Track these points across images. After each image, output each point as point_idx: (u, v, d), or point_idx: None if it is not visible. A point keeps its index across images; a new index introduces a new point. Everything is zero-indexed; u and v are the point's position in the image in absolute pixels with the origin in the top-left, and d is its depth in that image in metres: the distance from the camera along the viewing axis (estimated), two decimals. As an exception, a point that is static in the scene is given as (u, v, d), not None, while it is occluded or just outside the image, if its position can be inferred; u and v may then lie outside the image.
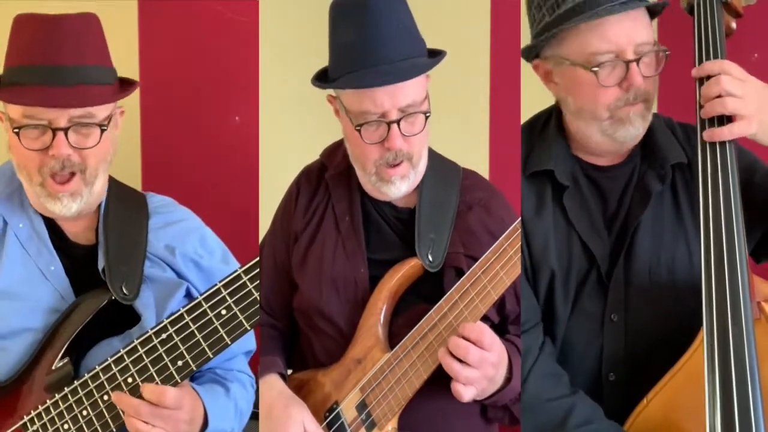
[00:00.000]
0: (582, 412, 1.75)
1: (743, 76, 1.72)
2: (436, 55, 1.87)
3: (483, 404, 1.90)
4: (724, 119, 1.72)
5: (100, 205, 1.89)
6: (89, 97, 1.76)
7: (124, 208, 1.90)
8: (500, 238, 1.80)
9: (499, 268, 1.78)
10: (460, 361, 1.73)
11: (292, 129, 2.48)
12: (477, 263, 1.81)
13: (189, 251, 1.91)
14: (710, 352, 1.62)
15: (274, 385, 1.88)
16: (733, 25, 1.86)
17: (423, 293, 1.88)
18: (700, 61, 1.77)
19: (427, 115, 1.85)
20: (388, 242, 1.94)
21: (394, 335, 1.88)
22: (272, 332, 2.01)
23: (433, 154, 1.97)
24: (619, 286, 1.84)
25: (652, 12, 1.84)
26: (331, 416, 1.87)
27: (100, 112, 1.78)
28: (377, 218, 1.95)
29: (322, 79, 1.90)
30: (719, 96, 1.69)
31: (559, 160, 1.88)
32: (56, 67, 1.74)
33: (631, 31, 1.78)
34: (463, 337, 1.73)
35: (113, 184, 1.93)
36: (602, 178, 1.90)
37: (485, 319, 1.82)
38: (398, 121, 1.81)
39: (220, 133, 2.42)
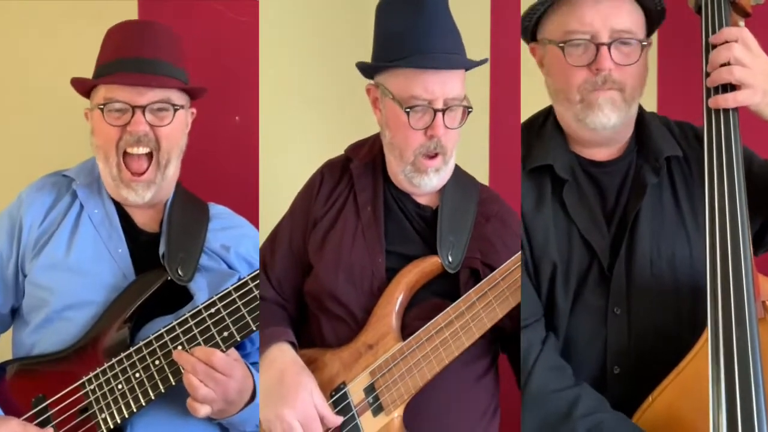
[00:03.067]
0: (587, 402, 1.76)
1: (757, 49, 1.74)
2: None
3: (493, 403, 1.95)
4: (729, 88, 1.73)
5: (167, 201, 2.08)
6: (163, 81, 1.98)
7: (187, 208, 2.10)
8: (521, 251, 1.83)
9: (519, 276, 1.82)
10: None
11: (292, 129, 2.47)
12: (497, 270, 1.85)
13: (243, 252, 2.08)
14: (714, 350, 1.63)
15: (286, 351, 1.90)
16: (741, 24, 1.86)
17: (436, 290, 1.92)
18: (708, 61, 1.78)
19: (469, 110, 1.90)
20: (407, 236, 1.97)
21: (405, 326, 1.91)
22: (281, 310, 2.03)
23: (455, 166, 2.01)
24: (620, 279, 1.85)
25: (648, 13, 1.86)
26: (338, 395, 1.89)
27: (176, 99, 2.00)
28: (398, 212, 1.98)
29: (367, 67, 1.95)
30: (727, 64, 1.71)
31: (558, 156, 1.90)
32: (140, 58, 1.97)
33: (608, 16, 1.81)
34: None
35: (180, 187, 2.12)
36: (600, 173, 1.91)
37: (497, 327, 1.86)
38: (444, 111, 1.86)
39: (220, 133, 2.42)
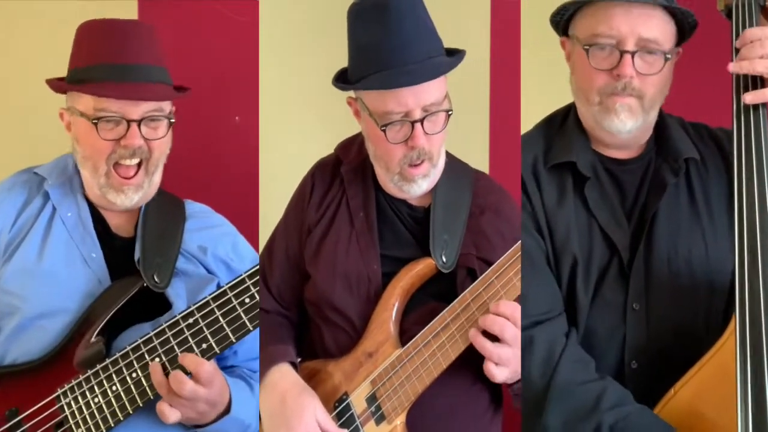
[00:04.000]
0: (613, 394, 1.77)
1: None
2: (453, 53, 1.90)
3: (494, 403, 1.95)
4: (759, 85, 1.76)
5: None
6: (160, 92, 1.92)
7: (163, 209, 2.02)
8: (515, 246, 1.82)
9: (513, 274, 1.81)
10: (492, 340, 1.75)
11: (292, 129, 2.48)
12: (491, 268, 1.83)
13: (220, 253, 2.01)
14: (742, 345, 1.64)
15: (286, 373, 1.90)
16: None
17: (434, 292, 1.91)
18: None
19: (450, 113, 1.87)
20: (402, 240, 1.96)
21: (404, 331, 1.90)
22: (282, 320, 2.02)
23: (447, 155, 1.98)
24: (639, 276, 1.86)
25: (680, 24, 1.87)
26: (341, 407, 1.89)
27: (167, 106, 1.94)
28: (392, 215, 1.97)
29: (341, 80, 1.92)
30: (761, 57, 1.74)
31: (580, 153, 1.91)
32: (126, 65, 1.90)
33: (636, 24, 1.81)
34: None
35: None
36: (620, 171, 1.93)
37: None
38: (422, 120, 1.83)
39: (220, 133, 2.42)
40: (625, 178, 1.92)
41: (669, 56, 1.85)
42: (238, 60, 2.39)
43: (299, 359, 2.00)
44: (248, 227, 2.19)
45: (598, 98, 1.85)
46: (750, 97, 1.75)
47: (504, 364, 1.75)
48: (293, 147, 2.43)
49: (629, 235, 1.88)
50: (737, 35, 1.82)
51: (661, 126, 1.95)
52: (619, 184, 1.92)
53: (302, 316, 2.06)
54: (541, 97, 1.97)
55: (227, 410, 1.86)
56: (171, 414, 1.79)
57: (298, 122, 2.47)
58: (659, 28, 1.83)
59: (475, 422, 1.93)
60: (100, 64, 1.90)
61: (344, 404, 1.89)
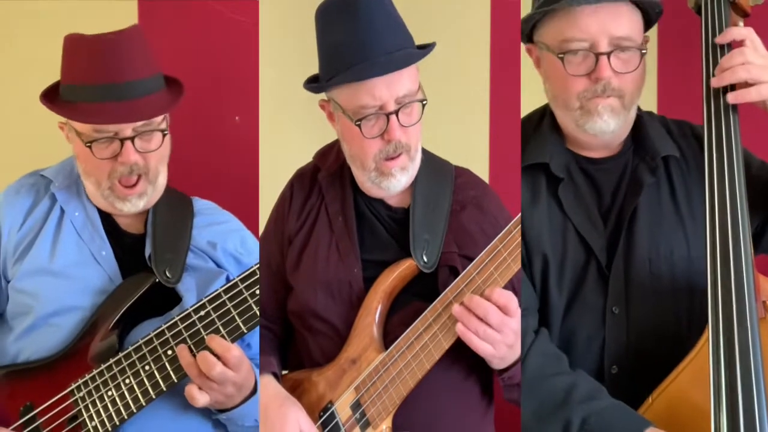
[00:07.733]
0: (585, 388, 1.74)
1: (762, 49, 1.75)
2: (424, 47, 1.89)
3: (486, 397, 1.94)
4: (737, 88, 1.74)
5: None
6: (150, 108, 1.92)
7: (171, 206, 2.06)
8: (495, 240, 1.80)
9: (494, 269, 1.78)
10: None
11: (292, 129, 2.47)
12: (472, 264, 1.81)
13: (230, 248, 2.06)
14: (715, 351, 1.63)
15: (268, 385, 1.89)
16: (740, 24, 1.86)
17: (417, 292, 1.89)
18: (707, 61, 1.79)
19: (424, 103, 1.86)
20: (382, 242, 1.94)
21: (388, 333, 1.88)
22: (266, 333, 2.01)
23: (425, 153, 1.97)
24: (619, 278, 1.84)
25: (646, 14, 1.85)
26: (326, 415, 1.88)
27: (158, 118, 1.95)
28: (371, 218, 1.95)
29: (315, 82, 1.91)
30: (742, 64, 1.71)
31: (554, 154, 1.89)
32: (117, 84, 1.89)
33: (606, 23, 1.79)
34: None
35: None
36: (596, 171, 1.91)
37: None
38: (396, 113, 1.82)
39: (220, 133, 2.42)
40: (601, 177, 1.90)
41: (644, 51, 1.83)
42: (238, 60, 2.39)
43: (285, 372, 1.99)
44: (248, 227, 2.19)
45: (578, 103, 1.83)
46: (732, 97, 1.73)
47: (488, 341, 1.73)
48: (293, 147, 2.43)
49: (605, 236, 1.86)
50: (707, 31, 1.80)
51: (638, 124, 1.93)
52: (595, 184, 1.90)
53: (287, 331, 2.04)
54: (541, 94, 1.96)
55: (253, 392, 1.88)
56: (200, 397, 1.81)
57: (298, 122, 2.47)
58: (629, 24, 1.81)
59: (467, 418, 1.91)
60: (91, 84, 1.91)
61: (329, 413, 1.88)
